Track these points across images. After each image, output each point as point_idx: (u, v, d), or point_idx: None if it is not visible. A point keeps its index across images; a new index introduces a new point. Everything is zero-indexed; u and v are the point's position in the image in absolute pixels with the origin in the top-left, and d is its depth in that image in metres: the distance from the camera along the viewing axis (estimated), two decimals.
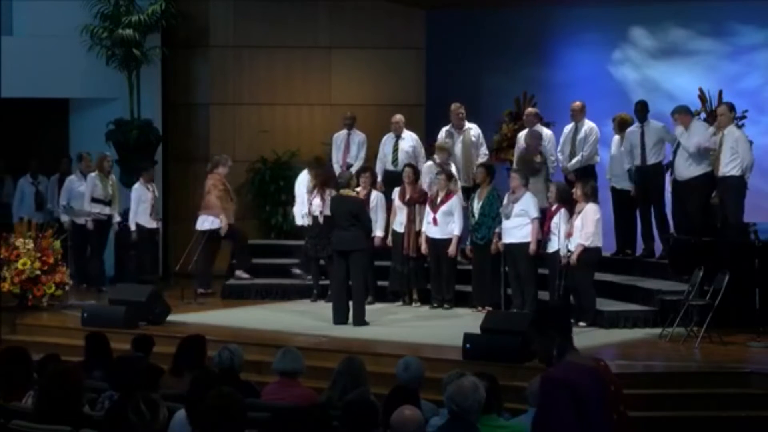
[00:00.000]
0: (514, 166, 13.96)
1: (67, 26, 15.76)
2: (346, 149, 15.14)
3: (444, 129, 14.41)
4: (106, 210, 15.01)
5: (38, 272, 13.42)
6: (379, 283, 13.87)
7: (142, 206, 14.78)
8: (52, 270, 13.56)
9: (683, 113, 13.03)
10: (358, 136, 15.21)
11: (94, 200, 14.94)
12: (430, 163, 14.18)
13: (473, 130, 14.39)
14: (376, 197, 13.75)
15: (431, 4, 16.90)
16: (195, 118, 16.94)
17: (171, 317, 12.70)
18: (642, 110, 13.58)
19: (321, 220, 13.67)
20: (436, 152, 14.02)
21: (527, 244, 12.61)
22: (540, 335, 5.42)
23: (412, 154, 14.57)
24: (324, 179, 13.90)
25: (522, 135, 14.40)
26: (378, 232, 13.63)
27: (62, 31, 15.81)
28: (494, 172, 13.56)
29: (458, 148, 14.25)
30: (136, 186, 14.89)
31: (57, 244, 13.77)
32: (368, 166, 14.40)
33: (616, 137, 13.81)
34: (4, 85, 15.26)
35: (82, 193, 15.02)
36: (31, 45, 15.76)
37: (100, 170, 15.03)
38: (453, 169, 13.78)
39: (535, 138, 13.82)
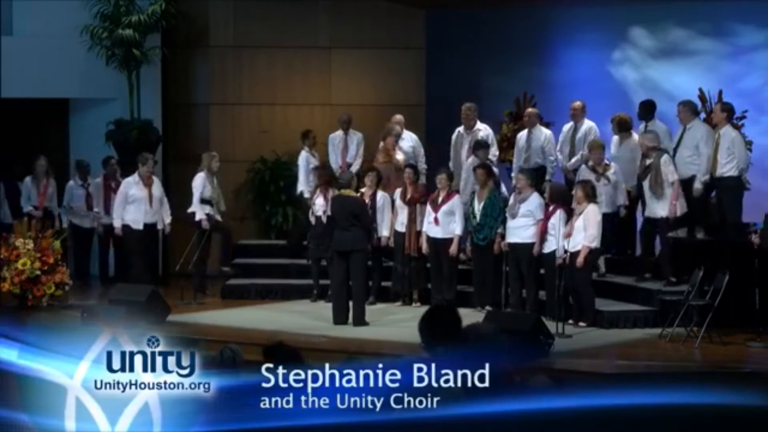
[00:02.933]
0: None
1: (67, 26, 15.77)
2: (345, 149, 15.15)
3: (457, 130, 14.40)
4: (210, 210, 14.47)
5: (38, 272, 13.45)
6: (383, 283, 13.89)
7: None
8: (52, 270, 13.58)
9: (688, 110, 12.98)
10: (356, 136, 15.23)
11: (203, 201, 14.48)
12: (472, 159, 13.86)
13: (482, 131, 14.34)
14: (382, 197, 13.76)
15: (431, 4, 16.92)
16: (195, 118, 16.96)
17: (171, 317, 12.72)
18: (647, 109, 13.58)
19: (324, 219, 13.66)
20: (590, 152, 13.34)
21: (532, 245, 12.64)
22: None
23: (412, 154, 14.57)
24: (327, 179, 13.91)
25: (522, 135, 14.41)
26: (384, 231, 13.66)
27: (62, 31, 15.82)
28: (494, 173, 13.57)
29: (467, 149, 14.21)
30: None
31: (57, 244, 13.79)
32: (372, 166, 14.40)
33: (615, 137, 13.80)
34: (4, 85, 15.29)
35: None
36: (31, 45, 15.77)
37: (209, 170, 14.64)
38: (612, 170, 13.09)
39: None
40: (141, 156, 14.64)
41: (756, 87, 15.47)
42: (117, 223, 14.45)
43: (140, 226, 14.37)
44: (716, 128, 12.70)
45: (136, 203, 14.42)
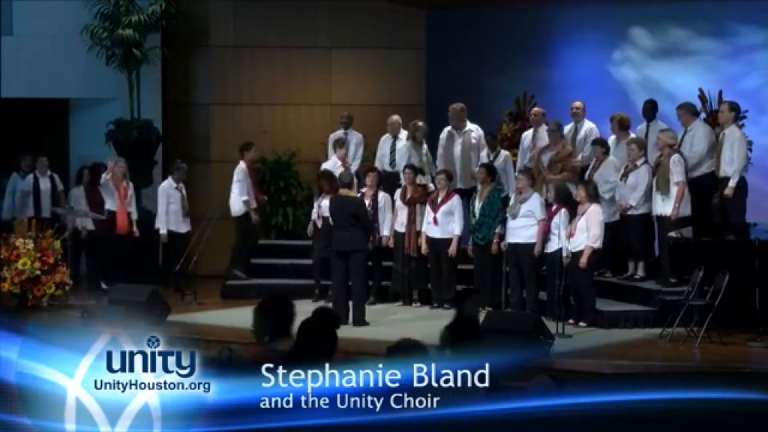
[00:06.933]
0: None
1: (67, 26, 15.77)
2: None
3: (445, 130, 14.38)
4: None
5: (38, 272, 13.44)
6: (383, 283, 13.88)
7: None
8: (52, 270, 13.57)
9: (686, 112, 13.00)
10: (356, 136, 15.21)
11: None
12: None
13: (474, 132, 14.31)
14: (383, 198, 13.75)
15: (431, 4, 16.92)
16: (195, 118, 16.95)
17: (171, 317, 12.71)
18: (650, 109, 13.63)
19: (331, 221, 13.60)
20: (665, 144, 12.83)
21: (533, 245, 12.63)
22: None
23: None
24: (332, 181, 13.86)
25: (527, 134, 14.38)
26: (385, 231, 13.66)
27: (62, 31, 15.82)
28: (495, 173, 13.56)
29: (457, 150, 14.20)
30: None
31: (57, 244, 13.79)
32: (374, 166, 14.36)
33: (613, 136, 13.81)
34: (4, 85, 15.28)
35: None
36: (31, 45, 15.78)
37: (413, 139, 14.21)
38: (680, 170, 12.51)
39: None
40: None
41: (756, 87, 15.47)
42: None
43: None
44: (721, 127, 12.69)
45: None
